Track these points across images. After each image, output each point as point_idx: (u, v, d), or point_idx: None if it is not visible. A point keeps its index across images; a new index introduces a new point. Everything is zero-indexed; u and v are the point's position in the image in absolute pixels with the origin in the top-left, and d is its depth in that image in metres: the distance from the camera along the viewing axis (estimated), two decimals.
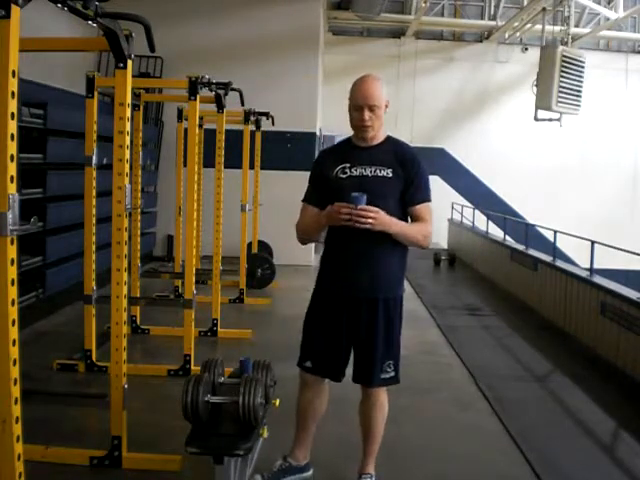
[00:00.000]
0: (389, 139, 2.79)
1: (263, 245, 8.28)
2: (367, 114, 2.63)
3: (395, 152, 2.73)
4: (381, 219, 2.51)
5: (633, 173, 14.01)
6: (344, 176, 2.69)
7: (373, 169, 2.67)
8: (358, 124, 2.68)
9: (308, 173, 2.87)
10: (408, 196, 2.69)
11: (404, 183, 2.67)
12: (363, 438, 2.92)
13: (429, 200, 2.76)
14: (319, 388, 2.87)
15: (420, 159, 2.77)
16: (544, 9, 10.86)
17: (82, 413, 3.73)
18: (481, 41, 13.77)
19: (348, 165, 2.70)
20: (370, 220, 2.49)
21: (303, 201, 2.82)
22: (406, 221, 2.73)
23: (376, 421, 2.86)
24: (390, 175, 2.66)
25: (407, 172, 2.68)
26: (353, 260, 2.69)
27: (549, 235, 7.72)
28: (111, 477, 2.97)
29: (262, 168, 7.91)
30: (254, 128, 7.51)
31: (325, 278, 2.81)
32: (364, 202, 2.48)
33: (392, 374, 2.78)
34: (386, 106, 2.70)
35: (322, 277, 2.83)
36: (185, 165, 5.45)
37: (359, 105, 2.64)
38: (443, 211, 12.56)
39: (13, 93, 1.89)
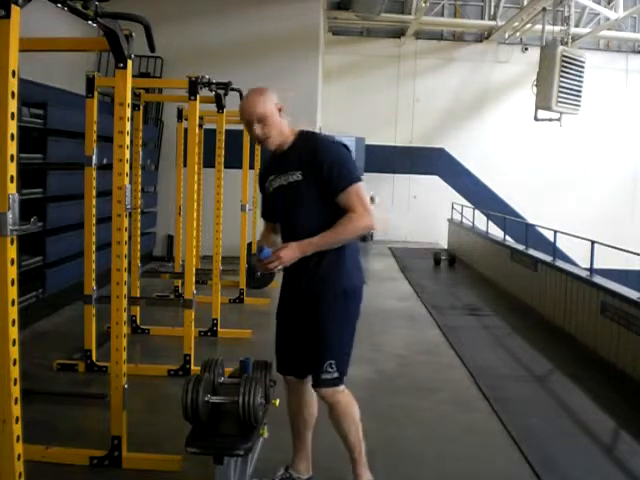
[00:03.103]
0: (300, 136, 2.64)
1: None
2: (258, 127, 2.54)
3: (302, 149, 2.58)
4: (288, 256, 2.48)
5: (633, 173, 14.01)
6: (272, 189, 2.67)
7: (287, 176, 2.58)
8: (257, 140, 2.60)
9: None
10: (328, 189, 2.51)
11: (317, 179, 2.51)
12: (345, 448, 2.76)
13: (350, 183, 2.51)
14: (300, 390, 2.80)
15: (329, 144, 2.60)
16: (544, 9, 10.86)
17: (82, 413, 3.74)
18: (481, 41, 13.78)
19: (272, 177, 2.66)
20: (274, 265, 2.48)
21: (261, 216, 2.86)
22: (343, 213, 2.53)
23: (342, 427, 2.68)
24: (300, 178, 2.55)
25: (315, 166, 2.51)
26: None
27: (549, 235, 7.72)
28: (111, 477, 2.97)
29: None
30: None
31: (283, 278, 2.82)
32: (268, 253, 2.49)
33: (335, 375, 2.59)
34: (280, 110, 2.59)
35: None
36: (185, 165, 5.45)
37: (247, 121, 2.56)
38: (443, 211, 12.59)
39: (13, 93, 1.89)
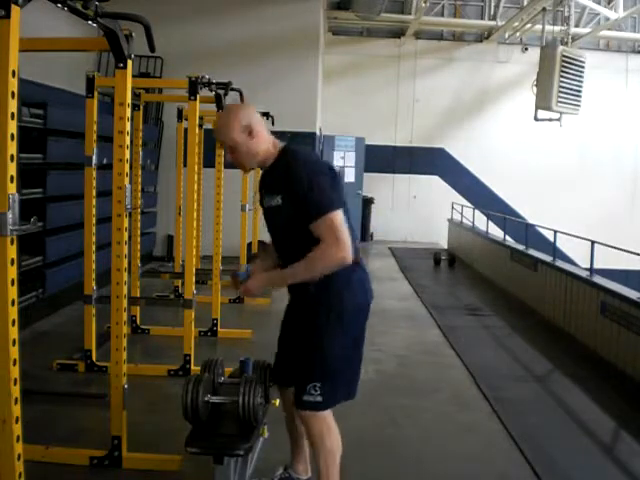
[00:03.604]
0: (282, 154, 2.49)
1: None
2: (228, 155, 2.51)
3: (282, 171, 2.42)
4: (253, 288, 2.51)
5: (633, 173, 14.00)
6: (264, 206, 2.57)
7: (269, 198, 2.48)
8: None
9: None
10: (307, 215, 2.34)
11: (295, 205, 2.36)
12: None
13: (325, 211, 2.31)
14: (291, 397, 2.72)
15: (306, 168, 2.38)
16: (544, 9, 10.86)
17: (82, 413, 3.74)
18: (481, 41, 13.77)
19: (263, 191, 2.58)
20: (242, 292, 2.56)
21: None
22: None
23: (316, 455, 2.54)
24: (280, 202, 2.41)
25: (294, 190, 2.35)
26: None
27: (549, 235, 7.72)
28: (111, 477, 2.97)
29: None
30: None
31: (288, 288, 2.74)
32: (244, 276, 2.57)
33: (318, 399, 2.42)
34: (250, 132, 2.42)
35: None
36: (185, 165, 5.45)
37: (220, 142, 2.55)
38: (443, 211, 12.59)
39: (13, 93, 1.89)
